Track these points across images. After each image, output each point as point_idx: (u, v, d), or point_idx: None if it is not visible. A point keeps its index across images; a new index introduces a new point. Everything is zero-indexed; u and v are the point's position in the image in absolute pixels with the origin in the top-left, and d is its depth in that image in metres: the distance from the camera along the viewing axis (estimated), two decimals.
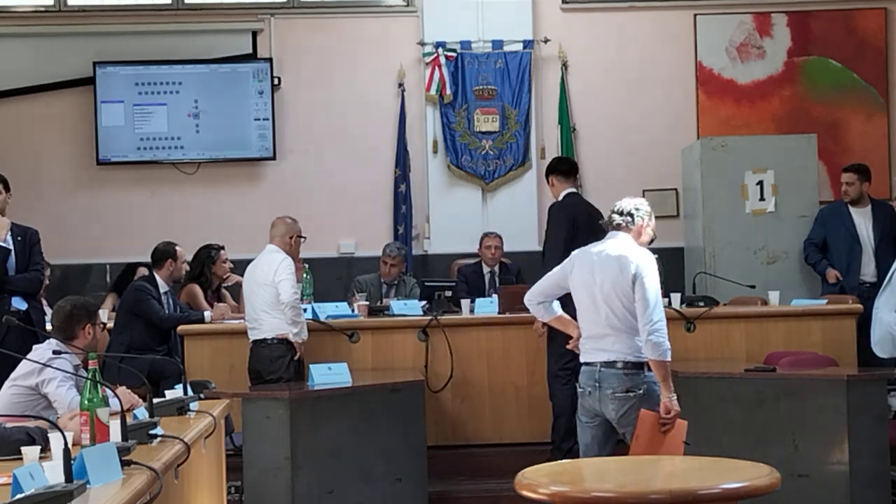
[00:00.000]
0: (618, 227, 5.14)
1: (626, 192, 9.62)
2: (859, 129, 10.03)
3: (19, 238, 6.57)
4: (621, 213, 5.15)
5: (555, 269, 5.29)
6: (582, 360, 5.15)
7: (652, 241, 5.22)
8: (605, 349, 5.02)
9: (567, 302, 5.35)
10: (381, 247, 9.24)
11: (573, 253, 5.29)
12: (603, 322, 5.01)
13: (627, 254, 5.00)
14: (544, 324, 6.90)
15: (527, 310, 7.18)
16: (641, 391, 4.98)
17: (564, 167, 7.21)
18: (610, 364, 5.00)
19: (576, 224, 6.87)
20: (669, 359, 4.92)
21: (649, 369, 4.98)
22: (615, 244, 5.09)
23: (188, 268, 7.72)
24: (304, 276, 7.85)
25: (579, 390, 5.14)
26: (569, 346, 5.29)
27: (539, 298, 5.30)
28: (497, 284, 8.48)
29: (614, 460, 5.01)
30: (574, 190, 7.15)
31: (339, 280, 9.25)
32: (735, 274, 8.19)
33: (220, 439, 5.16)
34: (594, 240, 6.82)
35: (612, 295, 4.99)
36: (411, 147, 9.84)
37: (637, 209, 5.16)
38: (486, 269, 8.70)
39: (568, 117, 9.90)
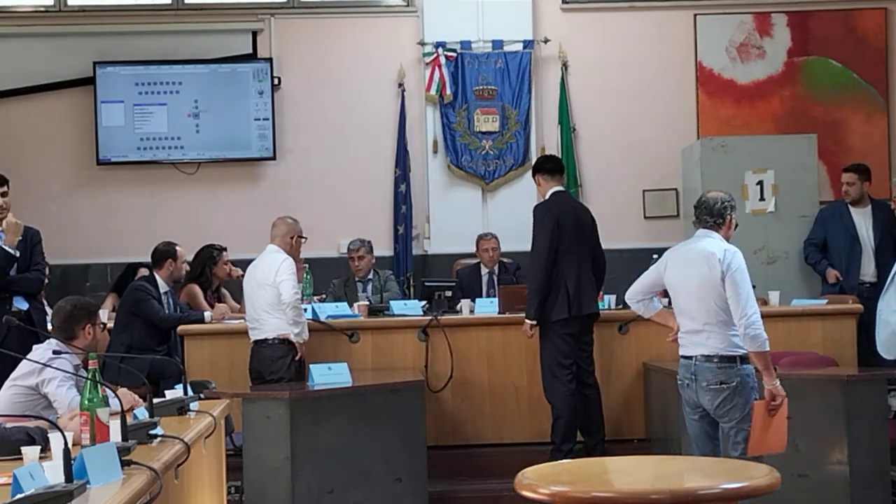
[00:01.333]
0: (709, 227, 5.33)
1: (626, 192, 9.87)
2: (859, 129, 10.03)
3: (20, 238, 6.56)
4: (712, 215, 5.33)
5: (650, 269, 5.47)
6: (680, 353, 5.30)
7: (736, 227, 5.46)
8: (700, 343, 5.19)
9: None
10: (381, 247, 9.26)
11: (666, 253, 5.44)
12: (698, 318, 5.18)
13: (715, 251, 5.18)
14: (532, 325, 6.94)
15: (520, 310, 7.27)
16: (734, 383, 5.13)
17: (550, 165, 7.23)
18: (707, 358, 5.16)
19: (560, 224, 6.91)
20: (768, 348, 5.08)
21: (742, 362, 5.14)
22: (706, 244, 5.26)
23: (188, 268, 7.71)
24: (305, 276, 7.85)
25: (679, 382, 5.29)
26: (669, 339, 5.40)
27: (639, 297, 5.48)
28: (496, 285, 8.47)
29: (614, 460, 5.01)
30: (561, 188, 7.16)
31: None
32: None
33: (220, 439, 5.17)
34: (580, 240, 6.92)
35: (704, 293, 5.15)
36: (411, 147, 9.84)
37: (724, 207, 5.35)
38: (484, 271, 8.69)
39: (568, 117, 9.90)
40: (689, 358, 5.22)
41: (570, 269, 6.90)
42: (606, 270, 7.40)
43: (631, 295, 5.52)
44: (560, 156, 9.75)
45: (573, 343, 6.93)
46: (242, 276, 7.32)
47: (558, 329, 6.90)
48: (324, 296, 8.21)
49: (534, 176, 7.26)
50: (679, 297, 5.29)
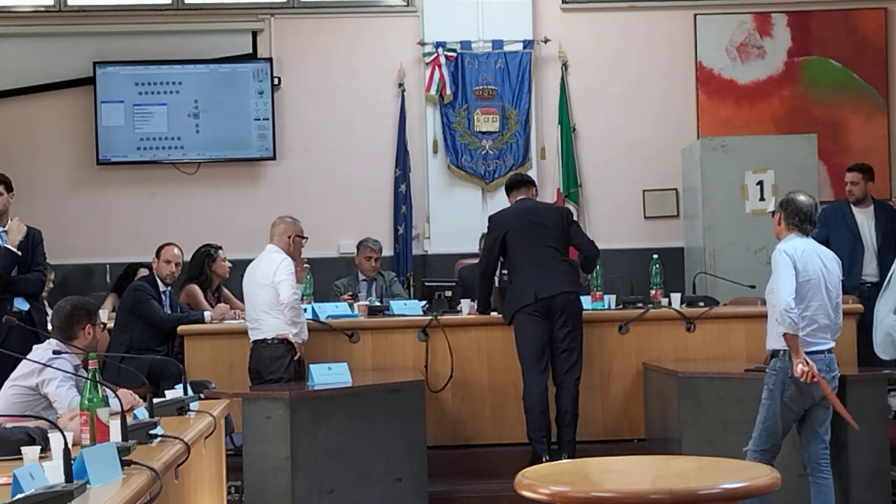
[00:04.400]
0: (812, 232, 5.60)
1: (626, 192, 9.88)
2: (859, 129, 10.03)
3: (22, 240, 6.56)
4: (815, 222, 5.60)
5: (786, 271, 5.42)
6: (810, 349, 5.45)
7: None
8: (828, 338, 5.55)
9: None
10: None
11: (791, 251, 5.46)
12: (831, 315, 5.54)
13: (836, 256, 5.64)
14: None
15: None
16: None
17: (508, 181, 7.52)
18: (831, 350, 5.54)
19: (507, 230, 7.04)
20: None
21: None
22: (824, 247, 5.65)
23: (173, 269, 7.62)
24: (306, 276, 7.83)
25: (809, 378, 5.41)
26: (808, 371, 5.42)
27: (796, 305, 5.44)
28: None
29: (614, 460, 5.02)
30: (524, 197, 7.28)
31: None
32: (735, 274, 8.18)
33: (220, 439, 5.17)
34: (537, 237, 7.00)
35: (839, 291, 5.57)
36: (411, 147, 9.84)
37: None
38: None
39: (568, 117, 9.90)
40: (822, 352, 5.49)
41: (523, 263, 7.02)
42: (605, 272, 7.63)
43: (794, 306, 5.37)
44: (560, 156, 9.77)
45: (534, 332, 6.91)
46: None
47: (524, 319, 6.94)
48: (350, 295, 8.18)
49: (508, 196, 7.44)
50: (819, 293, 5.47)
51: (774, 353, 5.51)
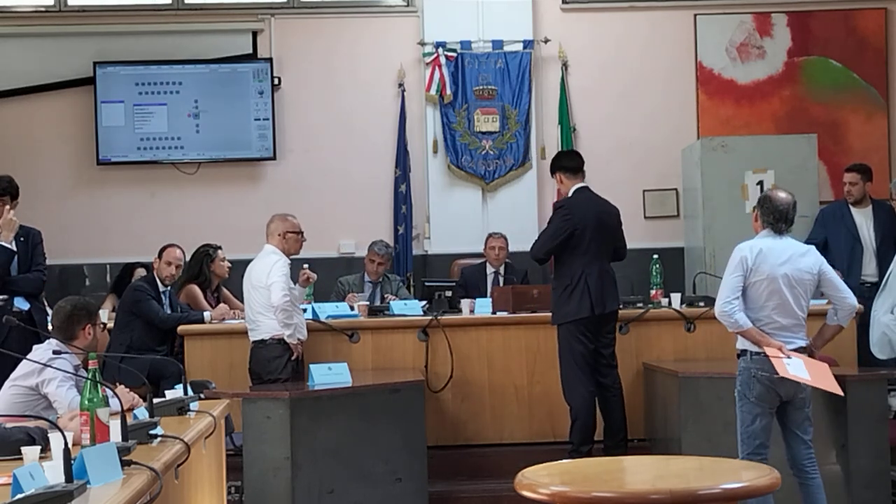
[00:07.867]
0: (787, 231, 5.48)
1: (626, 192, 9.87)
2: (859, 129, 10.03)
3: (21, 239, 6.56)
4: (791, 221, 5.48)
5: (733, 273, 5.37)
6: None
7: None
8: (798, 337, 5.42)
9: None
10: None
11: (746, 251, 5.39)
12: (800, 313, 5.41)
13: (812, 250, 5.50)
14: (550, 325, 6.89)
15: (529, 310, 7.27)
16: None
17: (571, 164, 7.14)
18: (802, 349, 5.40)
19: (578, 227, 6.80)
20: None
21: None
22: (795, 243, 5.50)
23: (172, 271, 7.61)
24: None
25: (775, 377, 5.32)
26: (775, 355, 5.32)
27: (739, 305, 5.35)
28: (501, 285, 8.44)
29: (614, 460, 5.02)
30: (583, 185, 7.07)
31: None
32: None
33: (220, 439, 5.17)
34: (601, 238, 6.83)
35: (809, 288, 5.42)
36: (411, 147, 9.84)
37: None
38: (489, 270, 8.68)
39: (568, 117, 9.90)
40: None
41: (590, 268, 6.78)
42: None
43: (733, 306, 5.32)
44: (565, 150, 9.76)
45: (592, 342, 6.84)
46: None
47: (580, 328, 6.79)
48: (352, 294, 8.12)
49: (553, 174, 7.19)
50: (773, 296, 5.35)
51: (741, 353, 5.45)
